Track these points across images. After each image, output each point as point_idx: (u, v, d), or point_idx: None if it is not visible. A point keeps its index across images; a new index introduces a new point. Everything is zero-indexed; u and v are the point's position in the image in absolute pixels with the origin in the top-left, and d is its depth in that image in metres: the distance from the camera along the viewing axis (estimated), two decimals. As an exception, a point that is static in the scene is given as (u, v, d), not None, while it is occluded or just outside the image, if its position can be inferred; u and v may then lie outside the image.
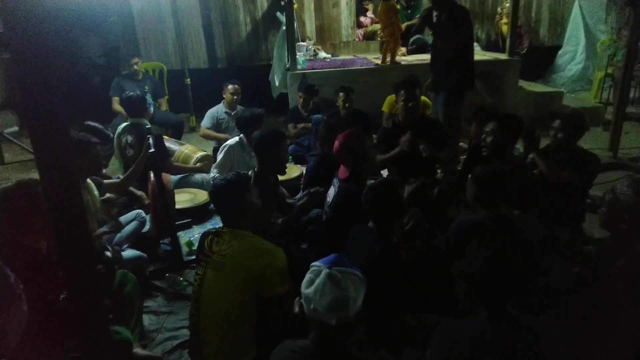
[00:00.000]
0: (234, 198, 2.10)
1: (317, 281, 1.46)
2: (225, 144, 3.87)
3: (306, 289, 1.49)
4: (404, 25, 6.47)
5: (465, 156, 3.83)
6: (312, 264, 1.56)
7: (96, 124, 3.61)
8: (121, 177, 4.11)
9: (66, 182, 1.11)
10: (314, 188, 2.93)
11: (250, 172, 2.94)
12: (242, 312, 1.97)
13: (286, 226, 2.76)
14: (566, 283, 2.19)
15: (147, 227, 3.44)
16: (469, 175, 2.43)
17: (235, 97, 4.90)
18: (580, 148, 3.04)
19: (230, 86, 4.88)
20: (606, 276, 1.98)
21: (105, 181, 3.38)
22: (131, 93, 4.09)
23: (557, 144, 2.95)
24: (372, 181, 2.65)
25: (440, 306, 2.11)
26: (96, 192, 3.13)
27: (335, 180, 2.89)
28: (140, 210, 3.44)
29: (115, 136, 4.02)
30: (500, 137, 2.85)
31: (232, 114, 4.92)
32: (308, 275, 1.52)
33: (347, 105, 4.64)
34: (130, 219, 3.36)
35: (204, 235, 2.16)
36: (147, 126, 3.97)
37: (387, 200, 2.21)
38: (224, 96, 4.94)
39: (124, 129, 3.99)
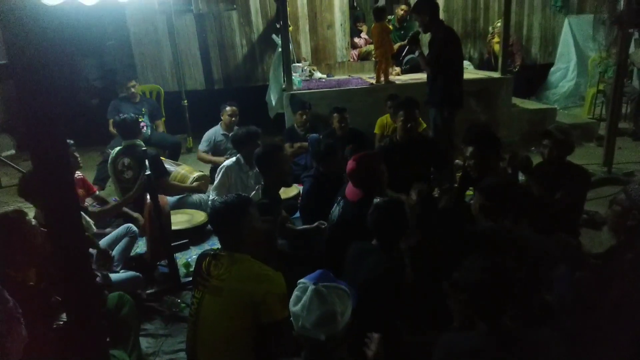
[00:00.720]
0: (234, 221, 2.06)
1: (304, 298, 1.48)
2: (222, 164, 3.87)
3: (294, 307, 1.50)
4: (396, 46, 6.59)
5: (460, 174, 3.86)
6: (299, 281, 1.57)
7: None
8: (118, 199, 4.12)
9: (66, 201, 1.11)
10: (318, 223, 3.11)
11: (257, 187, 3.03)
12: (240, 337, 1.94)
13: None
14: (571, 293, 2.18)
15: (143, 249, 3.42)
16: (475, 187, 2.46)
17: (233, 118, 4.93)
18: (572, 163, 3.14)
19: (228, 108, 4.91)
20: (614, 278, 1.98)
21: (92, 209, 3.36)
22: (124, 116, 4.08)
23: (550, 160, 3.09)
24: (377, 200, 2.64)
25: (444, 323, 2.10)
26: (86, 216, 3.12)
27: (340, 199, 2.87)
28: (130, 225, 3.40)
29: (109, 161, 4.00)
30: (481, 158, 2.94)
31: (230, 135, 4.95)
32: (295, 293, 1.54)
33: (342, 125, 4.70)
34: (121, 234, 3.32)
35: (202, 257, 2.13)
36: (142, 148, 3.97)
37: (393, 219, 2.21)
38: (222, 118, 4.97)
39: (118, 153, 3.96)
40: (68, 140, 3.42)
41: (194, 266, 2.75)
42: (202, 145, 4.99)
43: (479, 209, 2.39)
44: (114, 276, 2.82)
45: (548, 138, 3.07)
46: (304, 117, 5.16)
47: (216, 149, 4.98)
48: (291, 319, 1.52)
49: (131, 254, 3.41)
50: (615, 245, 2.23)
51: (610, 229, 2.25)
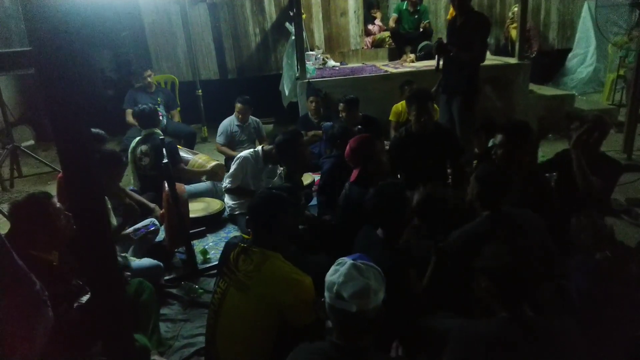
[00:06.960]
0: (275, 217, 2.01)
1: (342, 269, 1.53)
2: (239, 154, 3.90)
3: (330, 277, 1.54)
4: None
5: (476, 162, 3.82)
6: (339, 259, 1.61)
7: (98, 130, 3.65)
8: (135, 188, 4.20)
9: (91, 189, 1.14)
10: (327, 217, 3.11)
11: (279, 173, 3.14)
12: (262, 333, 1.93)
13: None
14: (587, 284, 2.16)
15: (162, 237, 3.49)
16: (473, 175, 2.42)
17: (244, 114, 4.97)
18: (602, 152, 2.96)
19: (238, 105, 4.94)
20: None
21: None
22: (142, 106, 4.21)
23: (584, 148, 2.74)
24: None
25: (455, 309, 2.11)
26: (109, 205, 3.18)
27: (346, 185, 2.93)
28: (152, 219, 3.47)
29: (130, 149, 4.12)
30: (510, 148, 2.81)
31: (244, 126, 4.99)
32: (334, 267, 1.58)
33: (345, 114, 4.63)
34: (143, 226, 3.39)
35: (230, 247, 2.09)
36: (160, 137, 4.04)
37: (391, 203, 2.17)
38: (236, 110, 5.01)
39: (138, 141, 4.10)
40: (101, 132, 3.55)
41: (221, 254, 2.81)
42: (220, 138, 5.02)
43: (475, 196, 2.34)
44: (135, 263, 2.88)
45: (576, 121, 2.80)
46: (314, 104, 5.16)
47: (231, 140, 5.01)
48: (325, 291, 1.54)
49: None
50: None
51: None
